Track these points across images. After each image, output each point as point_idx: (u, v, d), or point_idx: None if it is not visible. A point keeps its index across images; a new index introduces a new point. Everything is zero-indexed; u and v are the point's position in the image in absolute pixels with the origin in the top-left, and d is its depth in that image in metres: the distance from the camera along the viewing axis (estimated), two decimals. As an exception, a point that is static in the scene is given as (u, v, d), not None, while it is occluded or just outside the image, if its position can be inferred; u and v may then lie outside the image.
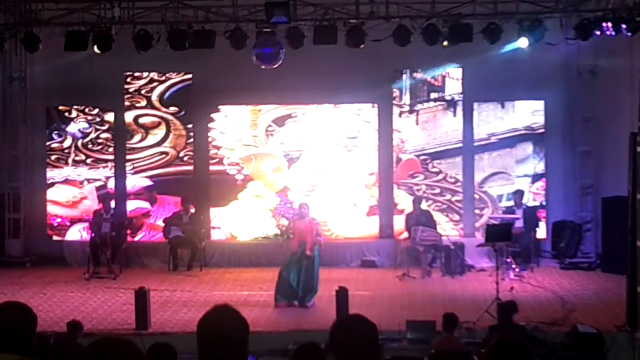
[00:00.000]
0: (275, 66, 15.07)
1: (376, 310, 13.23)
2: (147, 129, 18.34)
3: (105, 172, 18.37)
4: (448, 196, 18.00)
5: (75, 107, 18.35)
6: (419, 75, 17.96)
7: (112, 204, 17.85)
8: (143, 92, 18.29)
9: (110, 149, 18.39)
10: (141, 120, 18.35)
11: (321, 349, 6.95)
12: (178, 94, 18.27)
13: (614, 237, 15.57)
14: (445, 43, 14.83)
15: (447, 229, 17.65)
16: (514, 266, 16.04)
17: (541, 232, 17.62)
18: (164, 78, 18.26)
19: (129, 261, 17.71)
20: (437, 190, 18.00)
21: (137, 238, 18.21)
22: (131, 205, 18.28)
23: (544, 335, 11.88)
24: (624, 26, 13.80)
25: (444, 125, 18.06)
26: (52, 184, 18.33)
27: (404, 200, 17.94)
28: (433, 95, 18.05)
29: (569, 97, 18.05)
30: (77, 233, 18.19)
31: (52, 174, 18.33)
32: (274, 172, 18.32)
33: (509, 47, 15.89)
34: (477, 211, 18.02)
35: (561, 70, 17.93)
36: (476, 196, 18.04)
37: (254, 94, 17.78)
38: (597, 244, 17.57)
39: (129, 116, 18.29)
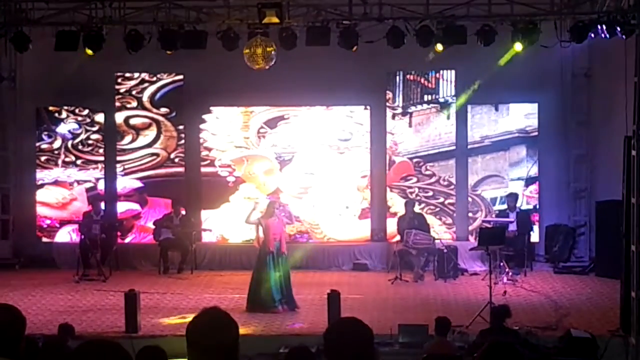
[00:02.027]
0: (267, 67, 14.98)
1: (368, 314, 13.14)
2: (137, 130, 18.23)
3: (95, 174, 18.25)
4: (441, 199, 17.93)
5: (66, 107, 18.23)
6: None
7: (102, 205, 17.76)
8: (134, 93, 18.18)
9: (101, 150, 18.27)
10: (132, 122, 18.24)
11: (312, 352, 6.86)
12: (169, 95, 18.17)
13: (608, 241, 15.52)
14: (440, 47, 14.75)
15: (440, 232, 17.58)
16: (507, 270, 15.97)
17: (535, 235, 17.55)
18: (155, 79, 18.15)
19: (119, 263, 17.60)
20: (430, 193, 17.92)
21: (127, 240, 18.09)
22: (121, 207, 18.17)
23: (537, 340, 11.83)
24: (618, 29, 13.74)
25: (437, 128, 17.99)
26: (42, 185, 18.20)
27: (396, 203, 17.86)
28: (426, 97, 17.98)
29: (563, 100, 18.00)
30: (67, 235, 18.06)
31: (41, 175, 18.20)
32: (266, 174, 18.23)
33: (506, 56, 15.82)
34: (470, 214, 17.95)
35: (555, 73, 17.87)
36: (469, 199, 17.97)
37: (246, 95, 17.69)
38: (591, 248, 17.52)
39: (119, 117, 18.18)
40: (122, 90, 18.18)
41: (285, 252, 14.22)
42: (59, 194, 18.22)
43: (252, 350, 11.11)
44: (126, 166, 18.18)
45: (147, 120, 18.24)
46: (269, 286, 14.09)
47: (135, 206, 18.18)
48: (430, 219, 17.55)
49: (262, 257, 14.26)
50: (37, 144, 18.25)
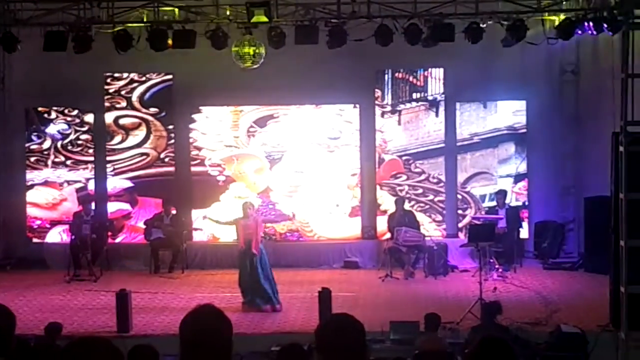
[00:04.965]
0: (255, 67, 15.00)
1: (359, 312, 13.14)
2: (127, 130, 18.22)
3: (85, 174, 18.22)
4: (431, 196, 17.97)
5: (55, 108, 18.20)
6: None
7: (93, 205, 17.73)
8: (123, 93, 18.16)
9: (90, 151, 18.25)
10: (121, 122, 18.22)
11: (304, 350, 6.89)
12: (158, 95, 18.16)
13: (597, 237, 15.56)
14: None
15: (430, 229, 17.62)
16: (497, 266, 16.02)
17: (524, 232, 17.61)
18: (144, 79, 18.14)
19: (110, 263, 17.57)
20: (420, 191, 17.97)
21: (118, 240, 18.08)
22: (112, 207, 18.15)
23: (527, 336, 11.85)
24: (605, 26, 13.79)
25: (426, 126, 18.03)
26: (32, 186, 18.17)
27: (386, 201, 17.89)
28: (415, 95, 18.02)
29: (551, 97, 18.04)
30: (57, 235, 18.03)
31: (31, 175, 18.16)
32: (256, 173, 18.24)
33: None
34: (460, 211, 17.99)
35: (543, 70, 17.93)
36: (459, 196, 18.01)
37: (235, 94, 17.69)
38: (580, 244, 17.57)
39: (109, 117, 18.16)
40: (111, 91, 18.15)
41: (257, 252, 14.13)
42: (49, 195, 18.20)
43: (243, 348, 11.10)
44: (116, 166, 18.17)
45: (136, 120, 18.23)
46: (246, 283, 14.18)
47: (126, 206, 18.17)
48: (420, 217, 17.59)
49: (238, 256, 14.45)
50: (27, 145, 18.21)
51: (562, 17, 14.51)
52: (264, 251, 14.32)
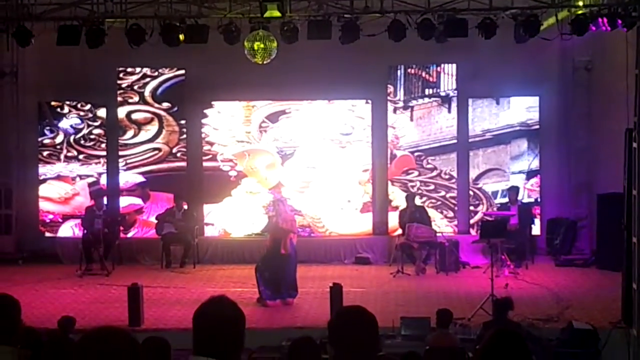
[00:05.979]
0: (266, 62, 14.99)
1: (370, 307, 12.95)
2: (139, 125, 18.25)
3: (97, 169, 18.28)
4: (442, 193, 17.94)
5: (68, 102, 18.26)
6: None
7: (105, 200, 17.76)
8: (136, 87, 18.20)
9: (103, 145, 18.30)
10: (134, 116, 18.26)
11: (315, 343, 6.88)
12: (171, 90, 18.19)
13: (609, 233, 15.50)
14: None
15: (442, 225, 17.59)
16: (508, 263, 15.98)
17: (536, 228, 17.58)
18: (156, 74, 18.17)
19: (122, 258, 17.61)
20: (432, 187, 17.95)
21: (129, 235, 18.12)
22: (124, 201, 18.20)
23: (539, 332, 11.83)
24: (619, 21, 13.73)
25: (438, 122, 18.01)
26: (44, 180, 18.23)
27: (398, 197, 17.88)
28: (427, 91, 18.00)
29: (564, 93, 18.01)
30: (70, 229, 18.09)
31: (44, 170, 18.22)
32: (268, 169, 18.25)
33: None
34: (471, 208, 17.96)
35: (556, 66, 17.89)
36: (471, 193, 17.98)
37: (248, 89, 17.71)
38: (592, 241, 17.51)
39: (121, 112, 18.20)
40: (124, 85, 18.19)
41: (285, 252, 14.00)
42: (62, 189, 18.25)
43: (254, 343, 11.11)
44: (128, 161, 18.21)
45: (149, 115, 18.26)
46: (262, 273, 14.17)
47: (138, 201, 18.21)
48: (432, 213, 17.56)
49: (266, 248, 14.41)
50: (40, 139, 18.28)
51: (577, 12, 14.44)
52: (294, 251, 14.18)
